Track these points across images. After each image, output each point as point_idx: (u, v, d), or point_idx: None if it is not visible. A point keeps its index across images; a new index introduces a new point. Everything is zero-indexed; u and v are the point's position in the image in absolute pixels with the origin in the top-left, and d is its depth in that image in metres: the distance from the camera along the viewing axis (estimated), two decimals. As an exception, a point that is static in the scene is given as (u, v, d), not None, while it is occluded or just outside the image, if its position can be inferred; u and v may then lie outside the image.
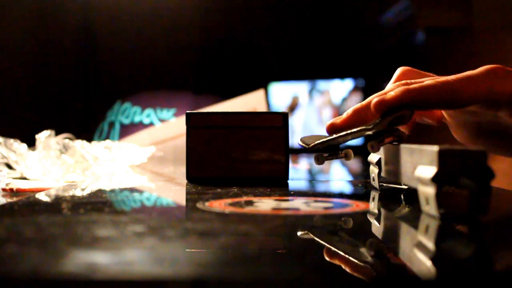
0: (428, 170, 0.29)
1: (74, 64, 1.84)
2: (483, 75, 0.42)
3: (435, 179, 0.29)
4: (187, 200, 0.42)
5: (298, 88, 2.00)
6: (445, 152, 0.29)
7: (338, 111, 1.92)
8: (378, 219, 0.34)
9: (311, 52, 1.86)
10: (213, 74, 1.90)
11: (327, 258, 0.23)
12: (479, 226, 0.30)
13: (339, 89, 1.96)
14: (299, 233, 0.28)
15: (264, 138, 0.50)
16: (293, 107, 1.98)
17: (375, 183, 0.43)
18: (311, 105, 1.98)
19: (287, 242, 0.26)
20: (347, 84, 1.92)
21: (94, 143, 0.72)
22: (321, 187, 0.56)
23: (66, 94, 1.82)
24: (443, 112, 0.48)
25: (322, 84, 1.99)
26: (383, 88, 0.47)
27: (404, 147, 0.36)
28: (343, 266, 0.22)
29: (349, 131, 0.40)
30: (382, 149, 0.41)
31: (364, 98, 0.45)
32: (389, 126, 0.39)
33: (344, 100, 1.92)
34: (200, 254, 0.23)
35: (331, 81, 1.97)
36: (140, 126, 1.34)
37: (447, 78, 0.42)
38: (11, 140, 0.65)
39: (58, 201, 0.40)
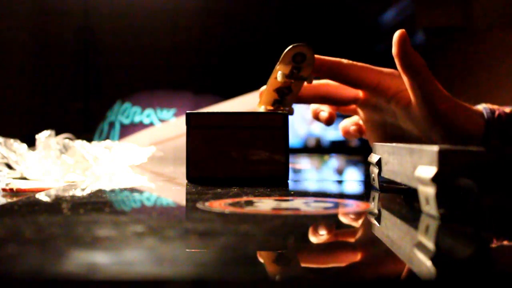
0: (428, 170, 0.29)
1: (74, 64, 1.84)
2: (383, 71, 0.53)
3: (435, 179, 0.29)
4: (187, 200, 0.42)
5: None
6: (445, 152, 0.29)
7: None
8: (378, 219, 0.34)
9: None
10: (213, 74, 1.90)
11: (327, 258, 0.23)
12: (479, 226, 0.30)
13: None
14: (299, 233, 0.28)
15: (264, 138, 0.50)
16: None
17: (375, 183, 0.43)
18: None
19: (287, 242, 0.26)
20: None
21: (94, 143, 0.72)
22: (321, 187, 0.56)
23: (66, 94, 1.82)
24: (359, 110, 0.57)
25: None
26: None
27: (404, 147, 0.36)
28: (343, 266, 0.22)
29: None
30: (382, 149, 0.41)
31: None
32: (294, 60, 0.50)
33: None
34: (200, 254, 0.23)
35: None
36: (140, 126, 1.34)
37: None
38: (11, 140, 0.65)
39: (58, 201, 0.40)
